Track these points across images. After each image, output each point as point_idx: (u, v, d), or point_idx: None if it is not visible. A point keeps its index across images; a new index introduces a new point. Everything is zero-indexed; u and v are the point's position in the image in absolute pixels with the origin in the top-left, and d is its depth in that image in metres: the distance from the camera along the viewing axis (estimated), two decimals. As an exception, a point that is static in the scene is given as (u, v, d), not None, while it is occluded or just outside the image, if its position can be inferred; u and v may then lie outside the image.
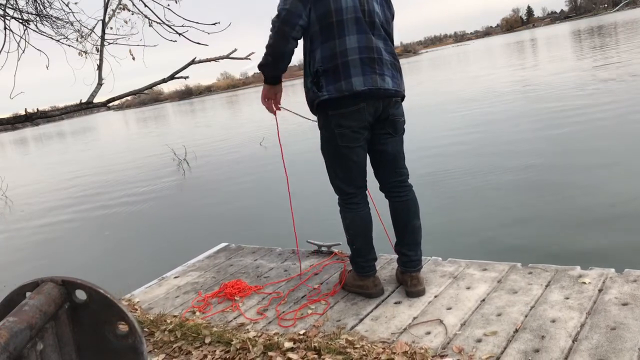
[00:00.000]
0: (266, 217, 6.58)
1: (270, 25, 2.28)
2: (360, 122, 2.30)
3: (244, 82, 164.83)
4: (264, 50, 2.34)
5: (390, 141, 2.42)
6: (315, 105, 2.35)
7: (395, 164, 2.47)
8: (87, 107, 2.96)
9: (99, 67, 3.15)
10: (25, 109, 2.73)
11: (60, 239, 7.68)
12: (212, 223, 6.89)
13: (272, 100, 2.53)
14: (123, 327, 0.94)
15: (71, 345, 0.94)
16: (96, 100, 2.98)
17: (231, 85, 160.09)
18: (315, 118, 2.47)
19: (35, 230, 8.44)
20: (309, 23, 2.28)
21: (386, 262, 2.87)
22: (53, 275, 0.95)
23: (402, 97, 2.45)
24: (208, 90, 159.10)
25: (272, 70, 2.39)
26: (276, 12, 2.25)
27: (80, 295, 0.94)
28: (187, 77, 3.03)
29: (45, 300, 0.89)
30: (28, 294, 0.92)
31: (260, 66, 2.38)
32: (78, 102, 2.90)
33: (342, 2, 2.24)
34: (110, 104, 3.05)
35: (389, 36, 2.40)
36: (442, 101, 15.05)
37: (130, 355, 0.94)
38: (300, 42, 2.36)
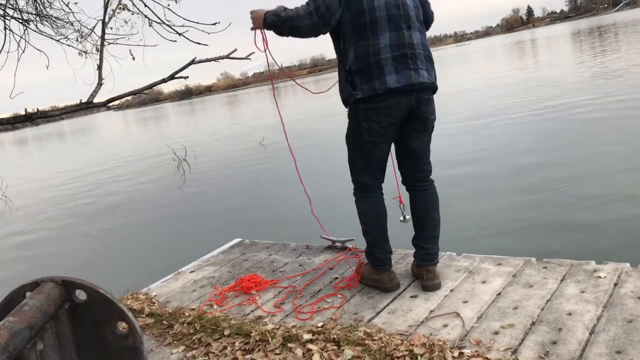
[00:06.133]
0: (275, 214, 6.57)
1: (305, 6, 2.28)
2: (391, 118, 2.28)
3: (244, 82, 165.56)
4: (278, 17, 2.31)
5: (418, 138, 2.40)
6: (349, 103, 2.37)
7: (420, 161, 2.46)
8: (87, 107, 2.94)
9: (99, 67, 3.13)
10: (25, 109, 2.71)
11: (65, 238, 7.67)
12: (218, 221, 6.87)
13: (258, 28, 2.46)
14: (123, 327, 0.94)
15: (71, 345, 0.94)
16: (96, 100, 2.96)
17: (231, 85, 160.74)
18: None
19: (36, 230, 8.44)
20: (341, 23, 2.30)
21: (401, 257, 2.87)
22: (53, 275, 0.95)
23: (435, 90, 2.42)
24: (208, 90, 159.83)
25: (274, 31, 2.37)
26: (314, 2, 2.25)
27: (80, 295, 0.95)
28: (187, 77, 3.02)
29: (45, 300, 0.90)
30: (28, 294, 0.92)
31: (268, 24, 2.35)
32: (78, 102, 2.88)
33: (375, 0, 2.25)
34: (110, 104, 3.03)
35: (421, 24, 2.37)
36: (456, 100, 14.94)
37: (130, 355, 0.95)
38: (326, 38, 2.39)
